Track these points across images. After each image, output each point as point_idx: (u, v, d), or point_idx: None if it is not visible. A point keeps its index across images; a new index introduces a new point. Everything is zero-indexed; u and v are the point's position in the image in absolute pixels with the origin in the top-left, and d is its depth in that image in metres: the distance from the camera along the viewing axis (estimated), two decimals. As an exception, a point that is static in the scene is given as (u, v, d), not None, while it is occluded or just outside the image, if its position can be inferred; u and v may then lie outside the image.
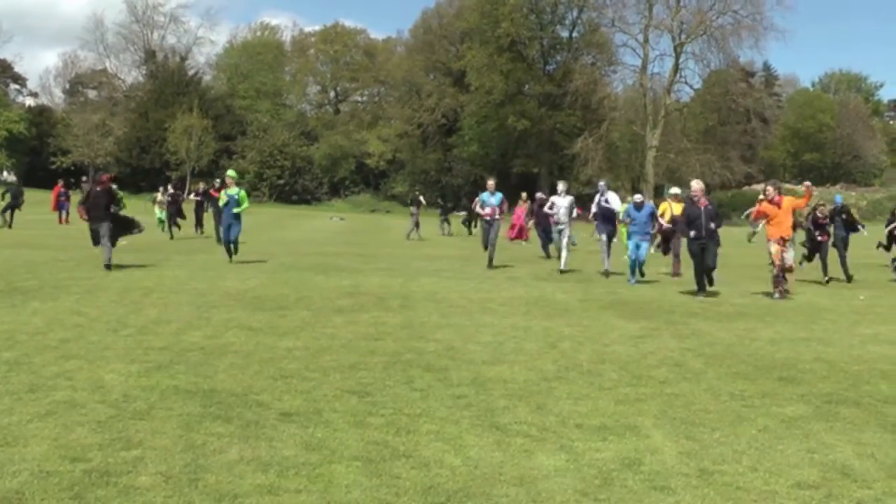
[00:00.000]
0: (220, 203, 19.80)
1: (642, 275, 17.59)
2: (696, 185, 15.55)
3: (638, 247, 17.34)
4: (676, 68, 73.40)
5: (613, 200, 19.40)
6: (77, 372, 7.18)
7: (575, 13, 77.28)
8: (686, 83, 75.95)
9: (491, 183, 20.33)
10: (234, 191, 19.36)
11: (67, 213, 34.56)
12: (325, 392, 6.84)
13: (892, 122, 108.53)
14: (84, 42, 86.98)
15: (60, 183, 38.26)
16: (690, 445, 5.74)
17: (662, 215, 18.36)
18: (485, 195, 20.31)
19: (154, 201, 33.82)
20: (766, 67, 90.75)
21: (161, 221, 30.82)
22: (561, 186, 20.44)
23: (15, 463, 4.89)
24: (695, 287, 15.08)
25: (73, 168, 74.34)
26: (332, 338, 9.47)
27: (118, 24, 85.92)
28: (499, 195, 20.08)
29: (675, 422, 6.32)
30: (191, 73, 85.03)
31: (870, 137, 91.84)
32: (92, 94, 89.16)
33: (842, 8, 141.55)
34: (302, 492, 4.62)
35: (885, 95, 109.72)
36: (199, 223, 30.33)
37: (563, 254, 19.38)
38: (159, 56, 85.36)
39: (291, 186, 78.96)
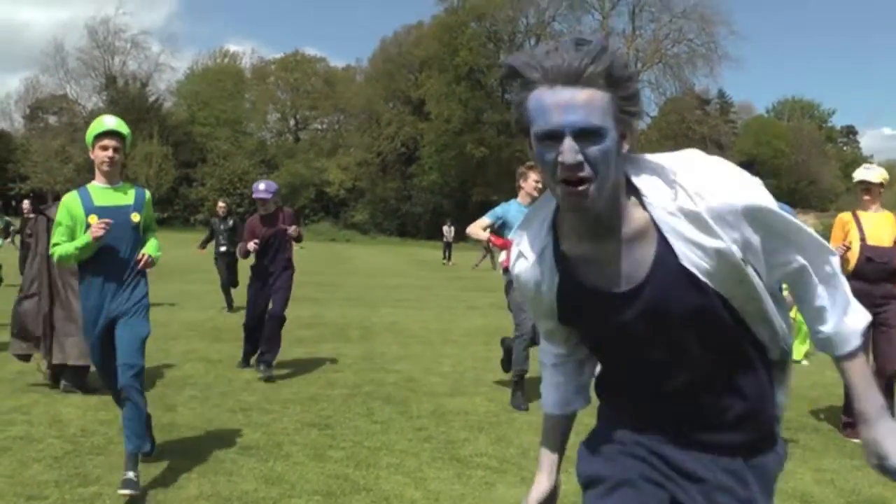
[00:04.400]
0: (54, 245, 5.49)
1: None
2: None
3: None
4: (633, 96, 74.28)
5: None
6: (33, 406, 7.10)
7: (533, 42, 77.98)
8: (643, 110, 76.97)
9: (532, 179, 7.99)
10: (125, 195, 5.59)
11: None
12: (285, 425, 6.82)
13: (845, 148, 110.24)
14: (45, 67, 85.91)
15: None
16: (650, 475, 5.78)
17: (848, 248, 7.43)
18: (511, 208, 8.05)
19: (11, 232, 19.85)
20: (721, 95, 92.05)
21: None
22: None
23: (-31, 502, 4.82)
24: None
25: (31, 194, 73.56)
26: (292, 370, 9.44)
27: (79, 49, 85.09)
28: None
29: (635, 452, 6.36)
30: (151, 99, 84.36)
31: (824, 163, 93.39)
32: (52, 119, 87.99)
33: (794, 37, 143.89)
34: (262, 528, 4.59)
35: (837, 122, 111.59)
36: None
37: None
38: (120, 82, 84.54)
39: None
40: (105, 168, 5.44)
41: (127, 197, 5.56)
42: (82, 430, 6.38)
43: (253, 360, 9.40)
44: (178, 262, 25.33)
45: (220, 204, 16.58)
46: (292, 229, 9.29)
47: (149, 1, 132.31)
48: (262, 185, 9.49)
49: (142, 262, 5.44)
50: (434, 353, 11.01)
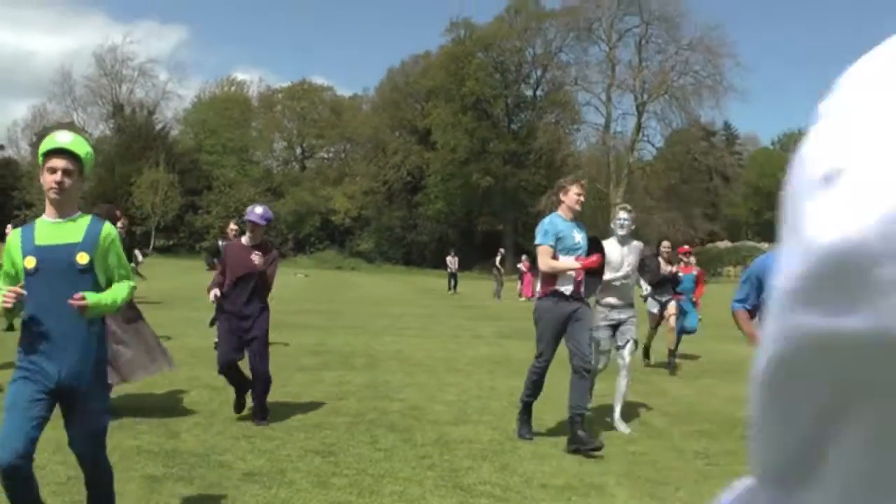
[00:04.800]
0: None
1: None
2: None
3: None
4: (639, 127, 74.71)
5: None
6: (37, 432, 7.10)
7: (539, 72, 78.62)
8: (648, 142, 77.30)
9: (574, 193, 7.70)
10: (74, 230, 4.41)
11: None
12: (289, 452, 6.81)
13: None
14: (52, 95, 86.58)
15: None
16: (654, 505, 5.77)
17: None
18: (556, 221, 7.67)
19: None
20: (727, 127, 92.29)
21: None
22: (623, 215, 8.64)
23: (-28, 526, 4.82)
24: None
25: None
26: (296, 397, 9.43)
27: (86, 77, 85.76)
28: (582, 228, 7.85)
29: (640, 480, 6.35)
30: (158, 127, 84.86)
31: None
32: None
33: (800, 70, 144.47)
34: (264, 555, 4.58)
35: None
36: None
37: (622, 384, 8.77)
38: (127, 110, 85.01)
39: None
40: (52, 195, 4.28)
41: (75, 232, 4.34)
42: (86, 456, 6.38)
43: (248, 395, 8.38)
44: (183, 289, 25.35)
45: (232, 226, 13.72)
46: (258, 259, 7.93)
47: (157, 30, 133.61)
48: (259, 210, 8.29)
49: (74, 300, 4.17)
50: (438, 382, 11.00)
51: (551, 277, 7.56)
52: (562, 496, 5.87)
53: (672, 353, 13.27)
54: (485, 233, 74.71)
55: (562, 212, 7.73)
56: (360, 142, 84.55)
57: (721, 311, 16.15)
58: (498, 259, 36.74)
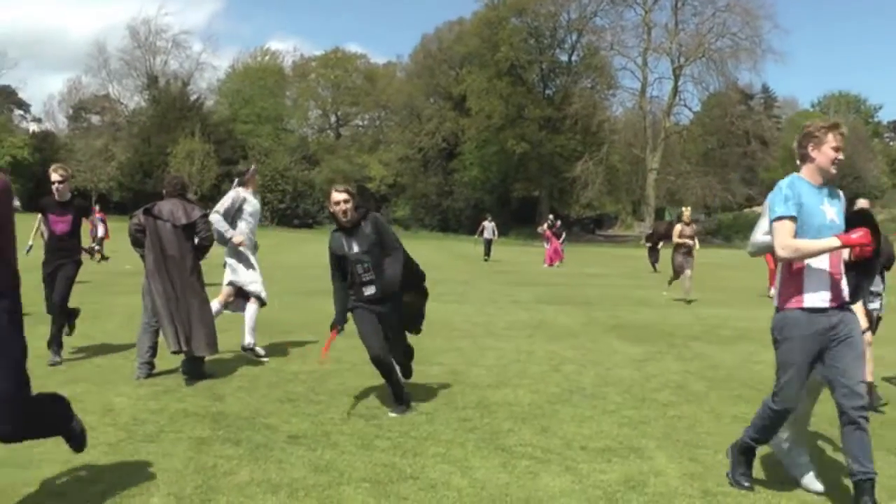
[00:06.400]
0: None
1: None
2: None
3: None
4: (675, 91, 74.21)
5: None
6: (86, 395, 7.25)
7: (574, 37, 78.04)
8: (685, 106, 77.00)
9: (830, 146, 4.95)
10: None
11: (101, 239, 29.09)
12: (332, 415, 6.91)
13: (891, 144, 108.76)
14: (87, 68, 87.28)
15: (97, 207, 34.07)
16: (694, 467, 5.80)
17: None
18: (801, 186, 5.01)
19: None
20: (765, 90, 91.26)
21: None
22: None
23: (30, 485, 4.97)
24: None
25: (76, 193, 74.28)
26: (338, 361, 9.53)
27: (120, 49, 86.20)
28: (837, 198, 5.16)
29: (679, 444, 6.38)
30: (193, 98, 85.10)
31: (870, 159, 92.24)
32: (95, 119, 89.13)
33: (839, 30, 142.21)
34: (312, 513, 4.69)
35: (884, 117, 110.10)
36: None
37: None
38: (161, 81, 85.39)
39: (293, 210, 79.03)
40: None
41: None
42: (134, 419, 6.52)
43: None
44: (221, 256, 25.52)
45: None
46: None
47: (192, 1, 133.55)
48: None
49: None
50: (477, 346, 11.07)
51: (794, 277, 5.08)
52: (601, 458, 5.93)
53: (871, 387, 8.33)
54: (521, 199, 74.67)
55: (805, 174, 5.14)
56: (395, 109, 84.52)
57: (761, 280, 16.13)
58: (546, 225, 35.58)
